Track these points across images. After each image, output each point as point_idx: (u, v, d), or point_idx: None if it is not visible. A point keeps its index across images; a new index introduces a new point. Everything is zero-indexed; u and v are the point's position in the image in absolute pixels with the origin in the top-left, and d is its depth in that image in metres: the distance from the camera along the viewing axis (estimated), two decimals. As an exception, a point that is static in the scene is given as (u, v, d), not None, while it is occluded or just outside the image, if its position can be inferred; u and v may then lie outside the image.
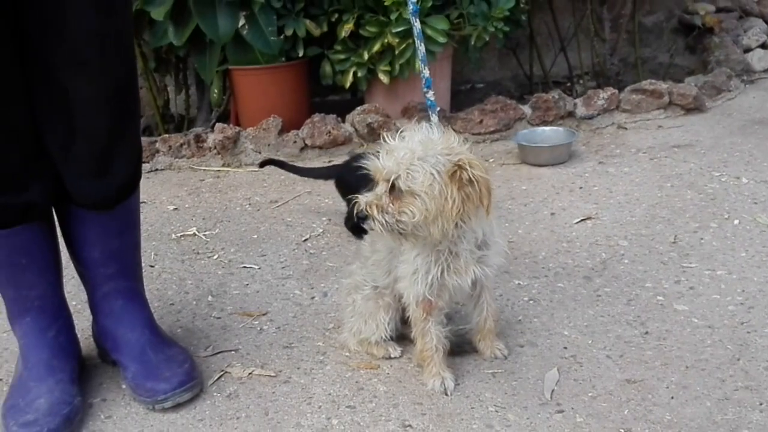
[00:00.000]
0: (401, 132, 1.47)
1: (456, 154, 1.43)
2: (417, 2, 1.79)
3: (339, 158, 3.33)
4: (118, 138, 1.62)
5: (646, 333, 1.83)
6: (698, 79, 3.71)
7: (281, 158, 3.30)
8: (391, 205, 1.44)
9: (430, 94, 1.72)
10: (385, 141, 1.48)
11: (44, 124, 1.55)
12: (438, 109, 1.77)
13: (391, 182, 1.42)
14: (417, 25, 1.73)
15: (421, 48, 1.73)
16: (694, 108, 3.51)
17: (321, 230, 2.56)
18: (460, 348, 1.78)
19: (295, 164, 2.88)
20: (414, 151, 1.41)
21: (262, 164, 2.86)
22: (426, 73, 1.73)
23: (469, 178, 1.42)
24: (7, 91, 1.47)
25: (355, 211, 1.48)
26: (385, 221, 1.44)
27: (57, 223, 1.75)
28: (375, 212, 1.44)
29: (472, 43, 3.31)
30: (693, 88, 3.51)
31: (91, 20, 1.47)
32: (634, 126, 3.46)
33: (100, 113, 1.56)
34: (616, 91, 3.50)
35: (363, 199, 1.46)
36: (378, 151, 1.49)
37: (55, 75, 1.50)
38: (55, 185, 1.64)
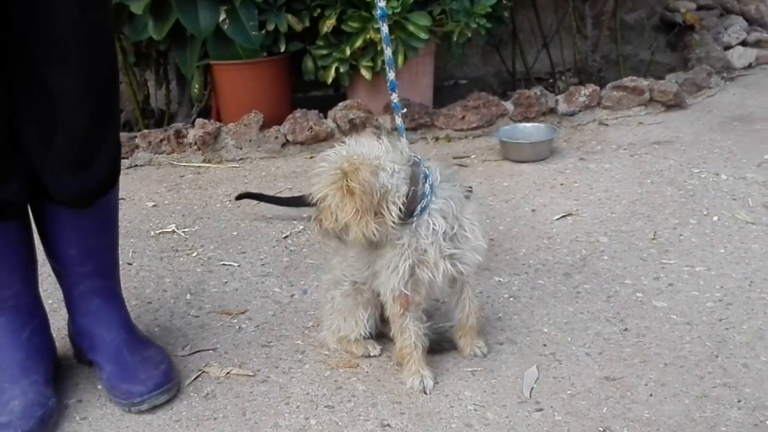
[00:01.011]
0: (342, 145, 1.54)
1: (355, 162, 1.47)
2: (386, 6, 1.77)
3: (321, 154, 3.30)
4: (100, 132, 1.60)
5: (626, 330, 1.83)
6: (679, 76, 3.73)
7: (262, 154, 3.29)
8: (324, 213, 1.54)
9: (394, 97, 1.72)
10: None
11: (23, 119, 1.52)
12: (403, 110, 1.76)
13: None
14: (384, 28, 1.72)
15: (387, 51, 1.72)
16: (674, 105, 3.53)
17: (301, 227, 2.54)
18: (439, 346, 1.77)
19: (274, 195, 2.74)
20: (331, 162, 1.51)
21: (239, 198, 2.70)
22: (391, 76, 1.73)
23: (349, 186, 1.45)
24: None
25: None
26: (318, 228, 1.58)
27: (32, 221, 1.72)
28: (314, 223, 1.58)
29: (455, 39, 3.30)
30: (674, 84, 3.53)
31: (73, 14, 1.44)
32: (615, 122, 3.47)
33: (82, 107, 1.53)
34: (598, 87, 3.51)
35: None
36: None
37: (36, 69, 1.47)
38: (31, 183, 1.61)
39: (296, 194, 2.72)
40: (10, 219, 1.60)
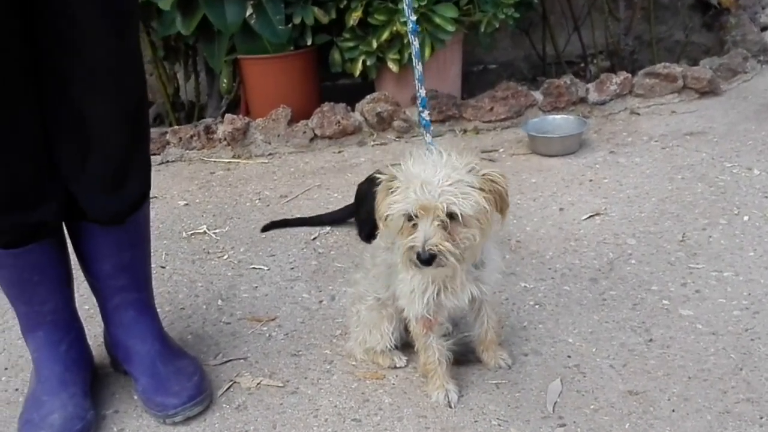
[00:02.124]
0: (409, 162, 1.44)
1: (477, 169, 1.44)
2: (417, 20, 1.75)
3: (349, 148, 3.34)
4: (132, 153, 1.65)
5: (650, 340, 1.83)
6: (713, 61, 3.64)
7: (291, 149, 3.32)
8: (448, 236, 1.40)
9: (426, 114, 1.70)
10: (400, 172, 1.44)
11: (59, 143, 1.58)
12: (431, 128, 1.75)
13: (445, 215, 1.38)
14: (416, 44, 1.71)
15: (419, 68, 1.70)
16: (708, 91, 3.46)
17: (329, 228, 2.58)
18: (464, 357, 1.80)
19: (299, 216, 2.67)
20: (449, 176, 1.39)
21: (265, 230, 2.60)
22: (422, 92, 1.71)
23: (499, 190, 1.44)
24: (22, 111, 1.49)
25: (414, 254, 1.39)
26: (455, 255, 1.40)
27: (68, 237, 1.78)
28: (445, 248, 1.38)
29: (482, 29, 3.27)
30: (708, 71, 3.45)
31: (107, 42, 1.48)
32: (647, 111, 3.41)
33: (115, 132, 1.59)
34: (629, 75, 3.45)
35: (419, 239, 1.38)
36: (395, 188, 1.44)
37: (72, 95, 1.52)
38: (66, 202, 1.67)
39: (334, 208, 2.67)
40: (47, 237, 1.66)
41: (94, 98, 1.53)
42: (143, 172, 1.72)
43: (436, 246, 1.38)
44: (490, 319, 1.72)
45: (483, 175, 1.44)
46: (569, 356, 1.80)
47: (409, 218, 1.42)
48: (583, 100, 3.41)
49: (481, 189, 1.42)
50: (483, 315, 1.72)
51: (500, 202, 1.47)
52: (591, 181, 2.76)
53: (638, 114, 3.40)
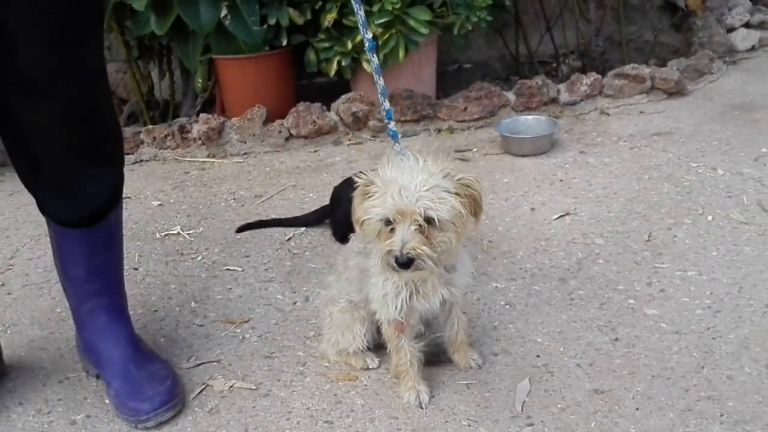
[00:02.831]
0: (386, 168, 1.45)
1: (452, 174, 1.46)
2: (373, 38, 1.78)
3: (324, 148, 3.35)
4: (86, 163, 1.64)
5: (616, 339, 1.88)
6: (681, 63, 3.71)
7: (266, 149, 3.32)
8: (425, 240, 1.42)
9: (392, 125, 1.73)
10: (377, 178, 1.46)
11: (11, 152, 1.62)
12: (399, 136, 1.77)
13: (423, 218, 1.40)
14: (375, 60, 1.74)
15: (380, 82, 1.73)
16: (676, 92, 3.53)
17: (304, 229, 2.59)
18: (436, 357, 1.83)
19: (275, 217, 2.69)
20: (426, 181, 1.41)
21: (240, 230, 2.62)
22: (386, 105, 1.73)
23: (473, 194, 1.47)
24: None
25: (391, 258, 1.41)
26: (432, 258, 1.42)
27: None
28: (423, 252, 1.40)
29: (456, 31, 3.30)
30: (675, 72, 3.52)
31: (37, 50, 1.46)
32: (616, 111, 3.47)
33: (58, 141, 1.58)
34: (599, 76, 3.51)
35: (397, 243, 1.41)
36: (373, 192, 1.46)
37: (7, 104, 1.53)
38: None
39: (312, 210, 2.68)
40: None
41: (31, 108, 1.53)
42: (104, 181, 1.72)
43: (414, 250, 1.40)
44: (460, 321, 1.76)
45: (458, 179, 1.47)
46: (538, 356, 1.84)
47: (387, 223, 1.44)
48: (554, 101, 3.46)
49: (456, 194, 1.45)
50: (453, 317, 1.75)
51: (474, 207, 1.50)
52: (561, 181, 2.81)
53: (608, 114, 3.46)
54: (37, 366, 1.96)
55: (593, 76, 3.49)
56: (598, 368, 1.78)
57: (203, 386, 1.81)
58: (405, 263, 1.41)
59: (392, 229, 1.43)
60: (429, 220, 1.41)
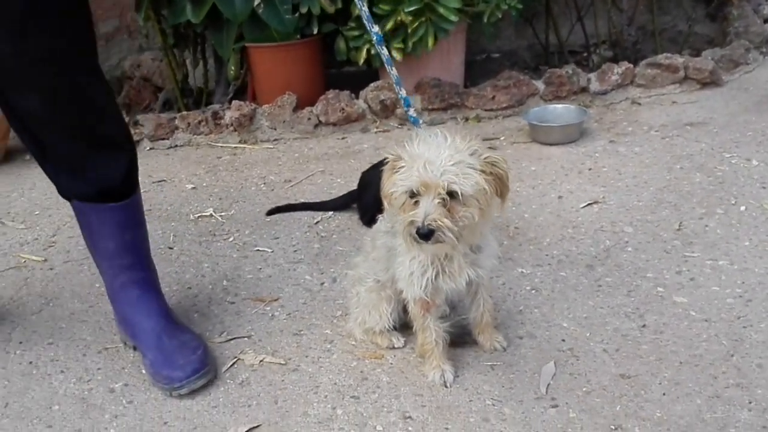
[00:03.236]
0: (419, 140, 1.48)
1: (479, 152, 1.48)
2: (380, 31, 1.83)
3: (352, 135, 3.38)
4: (85, 146, 1.71)
5: (644, 326, 1.88)
6: (715, 53, 3.66)
7: (295, 135, 3.36)
8: (448, 214, 1.44)
9: (412, 111, 1.77)
10: (405, 152, 1.49)
11: (17, 134, 1.74)
12: (421, 122, 1.80)
13: (445, 192, 1.43)
14: (384, 52, 1.78)
15: (393, 72, 1.77)
16: (710, 82, 3.48)
17: (332, 213, 2.63)
18: (461, 339, 1.86)
19: (303, 201, 2.72)
20: (452, 157, 1.44)
21: (270, 213, 2.66)
22: (402, 93, 1.77)
23: (500, 173, 1.49)
24: None
25: (413, 229, 1.43)
26: (453, 231, 1.44)
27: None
28: (444, 224, 1.42)
29: (486, 19, 3.30)
30: (709, 62, 3.48)
31: (6, 42, 1.51)
32: (648, 101, 3.44)
33: (51, 126, 1.66)
34: (631, 65, 3.48)
35: (420, 214, 1.43)
36: (400, 167, 1.49)
37: (3, 92, 1.62)
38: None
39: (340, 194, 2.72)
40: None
41: (21, 96, 1.61)
42: (111, 161, 1.77)
43: (435, 221, 1.42)
44: (486, 303, 1.78)
45: (485, 158, 1.49)
46: (563, 340, 1.85)
47: (411, 195, 1.47)
48: (584, 90, 3.44)
49: (482, 171, 1.47)
50: (479, 298, 1.77)
51: (500, 186, 1.52)
52: (590, 169, 2.81)
53: (639, 104, 3.43)
54: (77, 337, 2.03)
55: (625, 65, 3.47)
56: (624, 353, 1.79)
57: (234, 360, 1.86)
58: (426, 234, 1.43)
59: (416, 202, 1.46)
60: (452, 194, 1.43)
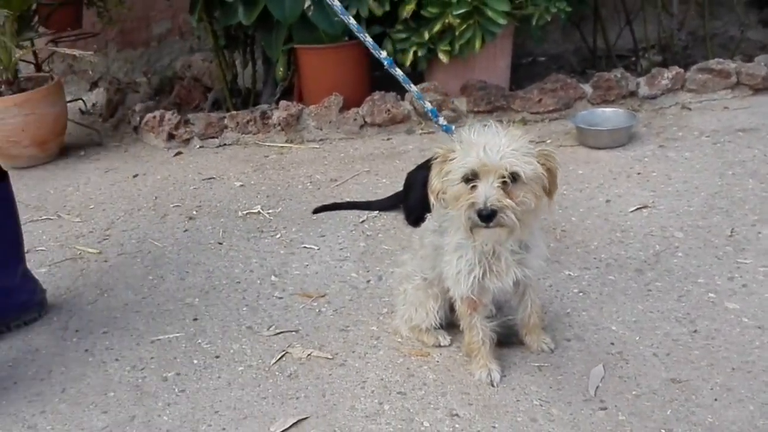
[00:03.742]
0: (475, 130, 1.49)
1: (533, 144, 1.50)
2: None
3: (397, 136, 3.40)
4: None
5: (695, 331, 1.86)
6: (769, 58, 3.58)
7: (341, 135, 3.40)
8: (507, 197, 1.44)
9: (441, 120, 1.82)
10: (462, 140, 1.50)
11: None
12: (453, 128, 1.83)
13: (506, 175, 1.42)
14: (398, 72, 1.88)
15: (413, 88, 1.85)
16: (763, 88, 3.41)
17: (377, 212, 2.65)
18: (507, 339, 1.86)
19: (349, 200, 2.76)
20: (511, 143, 1.44)
21: (316, 211, 2.69)
22: (428, 105, 1.84)
23: (550, 167, 1.50)
24: None
25: (473, 211, 1.43)
26: (516, 213, 1.43)
27: None
28: (507, 204, 1.41)
29: (534, 23, 3.29)
30: (762, 68, 3.41)
31: None
32: (698, 107, 3.39)
33: None
34: (682, 70, 3.42)
35: (481, 196, 1.42)
36: (453, 158, 1.50)
37: None
38: None
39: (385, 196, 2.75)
40: None
41: None
42: None
43: (499, 201, 1.42)
44: (533, 304, 1.77)
45: (539, 150, 1.50)
46: (612, 343, 1.84)
47: (467, 180, 1.46)
48: (633, 94, 3.40)
49: (538, 162, 1.48)
50: (527, 299, 1.77)
51: (550, 182, 1.52)
52: (639, 174, 2.77)
53: (689, 109, 3.38)
54: (131, 327, 2.09)
55: (675, 69, 3.42)
56: (675, 358, 1.77)
57: (283, 353, 1.89)
58: (488, 215, 1.41)
59: (473, 188, 1.45)
60: (514, 177, 1.43)
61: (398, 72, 1.89)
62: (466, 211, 1.45)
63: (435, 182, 1.54)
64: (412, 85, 1.87)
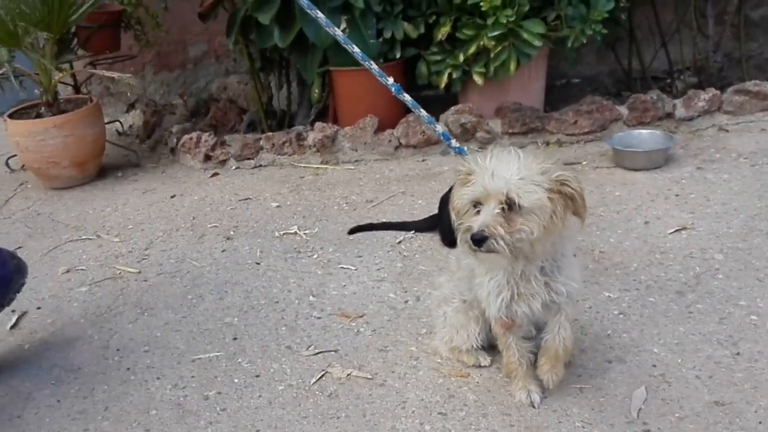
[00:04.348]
0: (491, 155, 1.50)
1: (552, 171, 1.49)
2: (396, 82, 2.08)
3: (432, 157, 3.42)
4: None
5: (738, 354, 1.83)
6: (808, 79, 3.54)
7: (376, 157, 3.43)
8: (506, 224, 1.45)
9: (454, 142, 1.83)
10: (476, 165, 1.51)
11: None
12: (466, 150, 1.84)
13: (504, 202, 1.44)
14: (407, 97, 1.89)
15: (423, 112, 1.84)
16: (802, 110, 3.37)
17: (413, 233, 2.66)
18: (548, 360, 1.84)
19: (385, 221, 2.78)
20: (519, 171, 1.45)
21: (351, 232, 2.72)
22: (438, 128, 1.84)
23: (571, 193, 1.49)
24: None
25: (468, 235, 1.46)
26: (506, 241, 1.45)
27: None
28: (497, 232, 1.43)
29: (569, 45, 3.30)
30: (802, 89, 3.37)
31: None
32: (736, 128, 3.36)
33: None
34: (718, 92, 3.40)
35: (478, 221, 1.45)
36: (472, 175, 1.54)
37: None
38: None
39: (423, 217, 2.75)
40: None
41: None
42: None
43: (489, 228, 1.43)
44: (562, 329, 1.68)
45: (557, 176, 1.48)
46: (654, 365, 1.82)
47: (475, 205, 1.49)
48: (669, 116, 3.38)
49: (550, 190, 1.46)
50: (555, 324, 1.68)
51: (574, 205, 1.50)
52: (677, 195, 2.75)
53: (726, 131, 3.35)
54: (171, 345, 2.12)
55: (712, 91, 3.39)
56: (718, 381, 1.74)
57: (323, 373, 1.90)
58: (478, 240, 1.44)
59: (478, 212, 1.48)
60: (511, 204, 1.44)
61: (407, 97, 1.91)
62: (463, 234, 1.48)
63: (455, 201, 1.55)
64: (422, 110, 1.88)
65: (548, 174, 1.48)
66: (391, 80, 1.87)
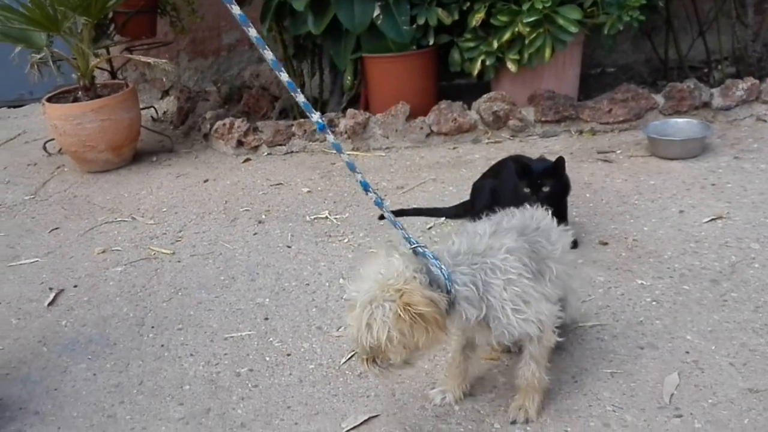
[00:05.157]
0: (362, 270, 1.49)
1: (402, 292, 1.39)
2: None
3: (463, 145, 3.41)
4: None
5: (774, 343, 1.80)
6: None
7: (407, 144, 3.43)
8: (378, 358, 1.45)
9: (345, 157, 1.72)
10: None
11: None
12: (385, 203, 1.74)
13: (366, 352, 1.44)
14: (330, 137, 1.73)
15: (359, 176, 1.71)
16: (844, 100, 3.28)
17: (444, 219, 2.66)
18: (581, 345, 1.84)
19: (416, 207, 2.77)
20: (368, 310, 1.40)
21: (382, 217, 2.66)
22: (359, 176, 1.71)
23: (413, 316, 1.38)
24: None
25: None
26: (379, 370, 1.46)
27: None
28: (368, 368, 1.46)
29: (606, 31, 3.25)
30: None
31: None
32: (775, 118, 3.29)
33: None
34: (757, 81, 3.33)
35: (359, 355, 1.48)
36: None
37: None
38: None
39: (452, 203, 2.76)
40: None
41: None
42: None
43: (364, 364, 1.46)
44: (527, 367, 1.60)
45: (401, 299, 1.38)
46: (687, 352, 1.80)
47: None
48: (706, 105, 3.32)
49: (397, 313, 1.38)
50: (523, 357, 1.60)
51: (426, 322, 1.39)
52: (713, 185, 2.71)
53: (765, 121, 3.28)
54: (205, 324, 2.16)
55: (750, 80, 3.33)
56: (752, 368, 1.72)
57: (352, 353, 1.91)
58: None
59: None
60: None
61: (330, 137, 1.73)
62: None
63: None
64: (314, 113, 1.67)
65: (396, 296, 1.38)
66: (316, 116, 1.67)
